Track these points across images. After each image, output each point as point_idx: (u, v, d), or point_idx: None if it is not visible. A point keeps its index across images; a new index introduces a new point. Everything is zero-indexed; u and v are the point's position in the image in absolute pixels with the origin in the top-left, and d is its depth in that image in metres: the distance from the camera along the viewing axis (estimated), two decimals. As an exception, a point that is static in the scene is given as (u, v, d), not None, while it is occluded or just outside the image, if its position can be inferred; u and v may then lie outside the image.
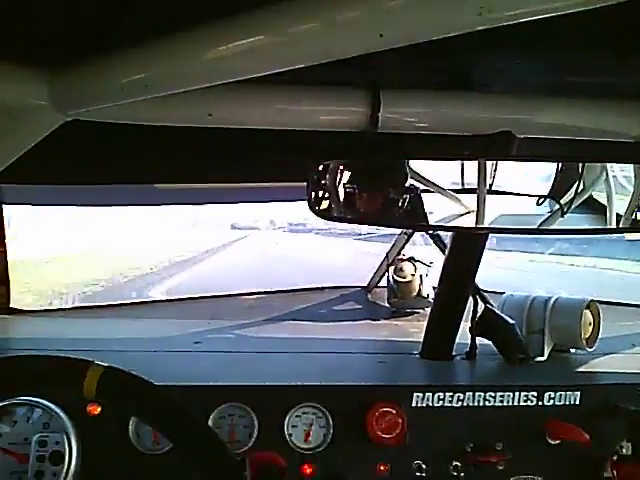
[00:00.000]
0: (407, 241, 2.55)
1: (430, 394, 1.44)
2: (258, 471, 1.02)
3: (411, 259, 2.53)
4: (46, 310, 2.46)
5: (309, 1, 0.73)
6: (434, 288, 2.40)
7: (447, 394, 1.44)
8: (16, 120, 1.01)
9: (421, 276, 2.50)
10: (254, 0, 0.75)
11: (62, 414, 1.27)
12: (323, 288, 2.83)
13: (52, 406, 1.27)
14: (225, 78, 0.86)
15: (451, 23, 0.70)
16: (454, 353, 1.80)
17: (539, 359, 1.80)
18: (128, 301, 2.63)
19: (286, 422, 1.38)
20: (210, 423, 1.34)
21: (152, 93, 0.92)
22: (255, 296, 2.75)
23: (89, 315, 2.47)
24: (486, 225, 1.25)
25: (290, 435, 1.38)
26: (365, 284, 2.87)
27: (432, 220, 1.33)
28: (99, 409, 1.30)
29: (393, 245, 2.62)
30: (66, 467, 1.24)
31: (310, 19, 0.74)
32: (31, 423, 1.29)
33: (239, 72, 0.85)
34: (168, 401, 1.02)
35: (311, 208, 1.21)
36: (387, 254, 2.65)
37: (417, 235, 2.67)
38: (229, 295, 2.76)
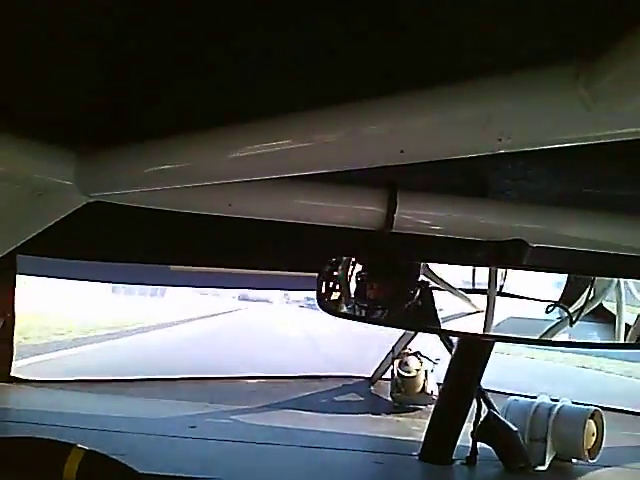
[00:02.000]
0: (414, 335, 2.54)
1: None
2: None
3: (417, 354, 2.51)
4: (46, 381, 2.44)
5: (334, 113, 0.76)
6: (439, 385, 2.37)
7: None
8: (41, 197, 1.03)
9: (426, 372, 2.48)
10: (281, 105, 0.78)
11: None
12: (327, 377, 2.81)
13: None
14: (247, 177, 0.89)
15: (471, 147, 0.72)
16: (454, 456, 1.75)
17: (540, 468, 1.75)
18: (127, 377, 2.61)
19: None
20: None
21: (174, 184, 0.95)
22: (256, 380, 2.73)
23: (88, 389, 2.44)
24: (493, 333, 1.25)
25: None
26: (369, 375, 2.84)
27: (441, 319, 1.33)
28: None
29: (400, 338, 2.61)
30: None
31: (334, 130, 0.76)
32: None
33: (260, 173, 0.87)
34: None
35: (320, 302, 1.21)
36: (393, 347, 2.63)
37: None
38: (230, 377, 2.74)
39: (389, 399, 2.57)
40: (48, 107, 0.90)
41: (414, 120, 0.71)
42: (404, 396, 2.49)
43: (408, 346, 2.55)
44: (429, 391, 2.45)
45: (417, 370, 2.46)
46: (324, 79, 0.77)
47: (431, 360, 2.50)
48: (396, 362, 2.51)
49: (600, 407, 1.86)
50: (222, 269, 1.62)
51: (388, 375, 2.64)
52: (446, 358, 1.84)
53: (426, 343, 2.61)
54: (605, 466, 1.80)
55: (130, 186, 0.99)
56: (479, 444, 1.75)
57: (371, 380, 2.81)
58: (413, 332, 2.51)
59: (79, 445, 0.98)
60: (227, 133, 0.84)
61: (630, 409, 2.70)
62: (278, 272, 1.63)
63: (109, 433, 1.66)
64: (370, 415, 2.43)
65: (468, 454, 1.75)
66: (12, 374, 2.31)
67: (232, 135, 0.84)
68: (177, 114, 0.90)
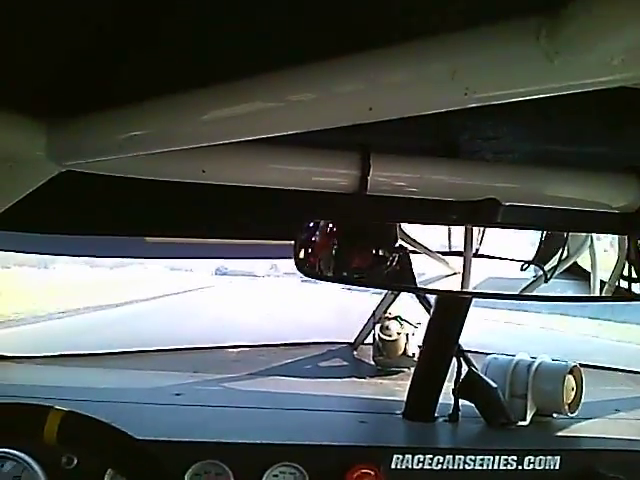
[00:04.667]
0: (394, 299, 2.56)
1: (410, 456, 1.43)
2: None
3: (398, 318, 2.53)
4: (28, 357, 2.44)
5: (304, 71, 0.76)
6: (420, 347, 2.40)
7: (427, 456, 1.43)
8: (11, 169, 1.02)
9: (407, 335, 2.50)
10: (251, 66, 0.79)
11: (35, 466, 1.24)
12: (309, 343, 2.82)
13: (25, 457, 1.24)
14: (220, 140, 0.89)
15: (437, 102, 0.73)
16: (437, 414, 1.79)
17: (521, 423, 1.79)
18: (111, 350, 2.60)
19: None
20: None
21: (147, 150, 0.94)
22: (240, 349, 2.74)
23: (72, 364, 2.44)
24: (470, 290, 1.27)
25: None
26: (352, 340, 2.86)
27: (418, 282, 1.34)
28: (75, 461, 1.27)
29: (380, 303, 2.63)
30: None
31: (304, 89, 0.77)
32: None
33: (234, 135, 0.88)
34: (131, 445, 1.00)
35: (298, 267, 1.23)
36: (374, 312, 2.65)
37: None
38: (214, 347, 2.75)
39: (372, 363, 2.59)
40: (15, 76, 0.89)
41: (381, 77, 0.73)
42: (387, 359, 2.52)
43: (388, 310, 2.57)
44: (411, 354, 2.48)
45: (398, 334, 2.48)
46: (291, 38, 0.78)
47: (412, 324, 2.53)
48: (377, 327, 2.53)
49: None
50: (196, 239, 1.61)
51: (370, 340, 2.66)
52: (426, 322, 1.87)
53: (407, 308, 2.63)
54: (585, 419, 1.85)
55: (101, 154, 0.98)
56: (461, 401, 1.79)
57: (354, 345, 2.83)
58: (393, 296, 2.53)
59: (57, 407, 0.98)
60: (199, 96, 0.85)
61: (606, 365, 2.76)
62: (252, 241, 1.63)
63: (91, 403, 1.65)
64: (354, 379, 2.46)
65: (450, 411, 1.79)
66: None
67: (204, 98, 0.84)
68: (148, 79, 0.90)
